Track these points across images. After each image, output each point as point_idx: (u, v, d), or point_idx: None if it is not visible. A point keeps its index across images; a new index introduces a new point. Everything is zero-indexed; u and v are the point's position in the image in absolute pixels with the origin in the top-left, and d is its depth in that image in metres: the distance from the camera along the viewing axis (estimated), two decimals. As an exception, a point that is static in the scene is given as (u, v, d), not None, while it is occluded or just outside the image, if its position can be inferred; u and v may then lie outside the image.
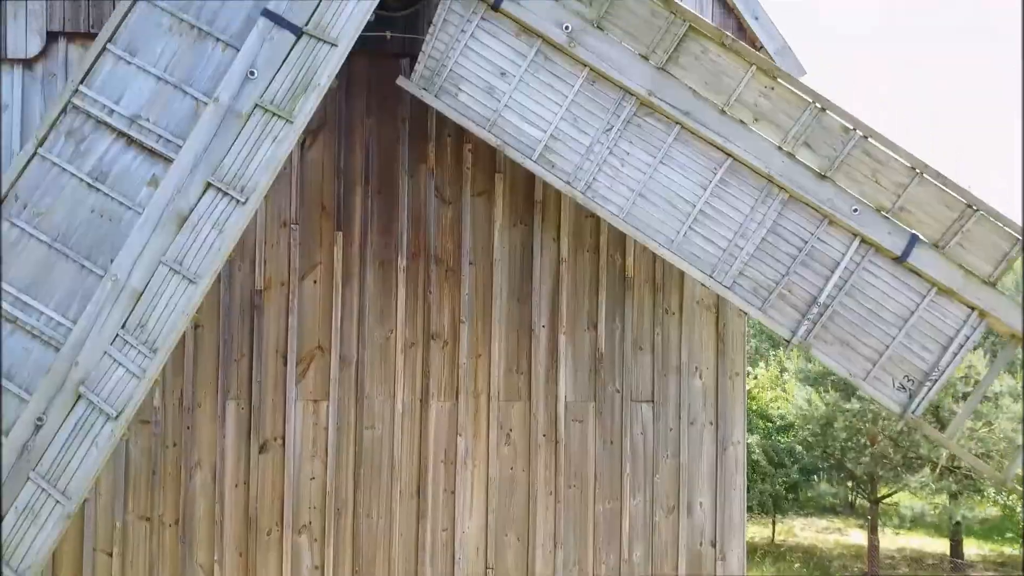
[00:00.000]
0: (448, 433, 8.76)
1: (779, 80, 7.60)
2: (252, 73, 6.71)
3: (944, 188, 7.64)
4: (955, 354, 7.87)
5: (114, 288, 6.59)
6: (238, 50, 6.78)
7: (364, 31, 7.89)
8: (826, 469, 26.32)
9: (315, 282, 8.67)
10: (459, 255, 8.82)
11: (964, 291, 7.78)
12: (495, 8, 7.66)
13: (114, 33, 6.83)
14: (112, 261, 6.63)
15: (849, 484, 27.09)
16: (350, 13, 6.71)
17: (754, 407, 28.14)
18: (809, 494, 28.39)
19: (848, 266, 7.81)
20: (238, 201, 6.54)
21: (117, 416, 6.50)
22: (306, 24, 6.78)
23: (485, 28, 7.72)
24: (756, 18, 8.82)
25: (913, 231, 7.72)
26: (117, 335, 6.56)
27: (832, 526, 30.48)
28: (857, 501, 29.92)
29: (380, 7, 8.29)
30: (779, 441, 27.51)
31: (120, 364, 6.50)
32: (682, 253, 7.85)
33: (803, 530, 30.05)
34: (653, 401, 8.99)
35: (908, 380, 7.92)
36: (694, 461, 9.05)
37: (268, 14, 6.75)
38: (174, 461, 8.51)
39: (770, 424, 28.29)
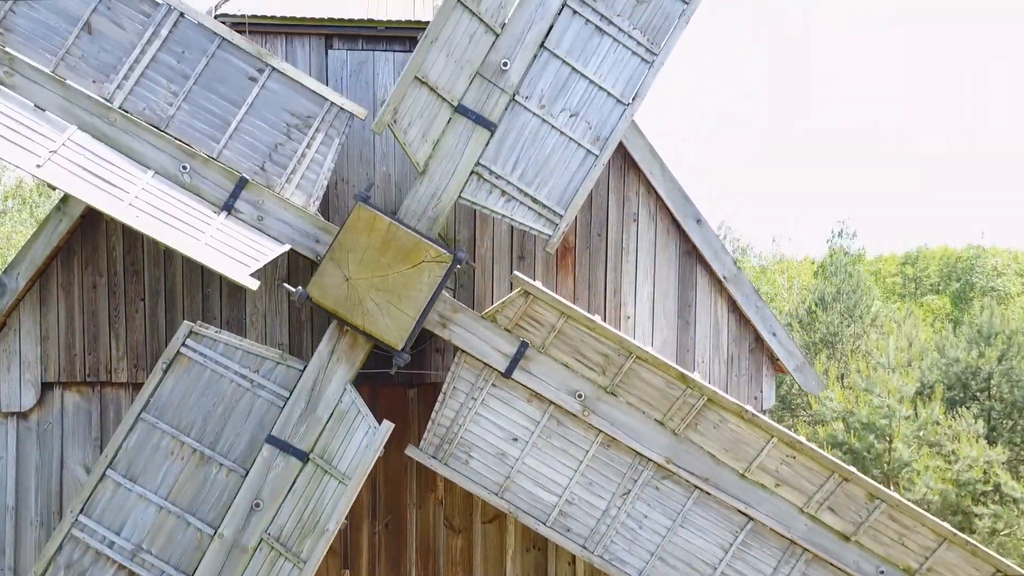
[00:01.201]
0: None
1: (801, 450, 7.37)
2: (258, 504, 6.45)
3: (974, 554, 7.42)
4: None
5: None
6: (242, 475, 6.51)
7: (371, 367, 7.67)
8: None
9: (323, 623, 8.38)
10: (470, 586, 8.54)
11: (995, 646, 7.56)
12: (506, 376, 7.43)
13: (114, 457, 6.55)
14: None
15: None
16: (358, 447, 6.42)
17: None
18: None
19: (876, 623, 7.58)
20: (246, 656, 6.26)
21: None
22: (312, 449, 6.52)
23: (496, 395, 7.49)
24: (774, 334, 8.54)
25: (941, 588, 7.51)
26: None
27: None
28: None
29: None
30: None
31: None
32: (704, 615, 7.60)
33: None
34: None
35: None
36: None
37: (273, 440, 6.49)
38: None
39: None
